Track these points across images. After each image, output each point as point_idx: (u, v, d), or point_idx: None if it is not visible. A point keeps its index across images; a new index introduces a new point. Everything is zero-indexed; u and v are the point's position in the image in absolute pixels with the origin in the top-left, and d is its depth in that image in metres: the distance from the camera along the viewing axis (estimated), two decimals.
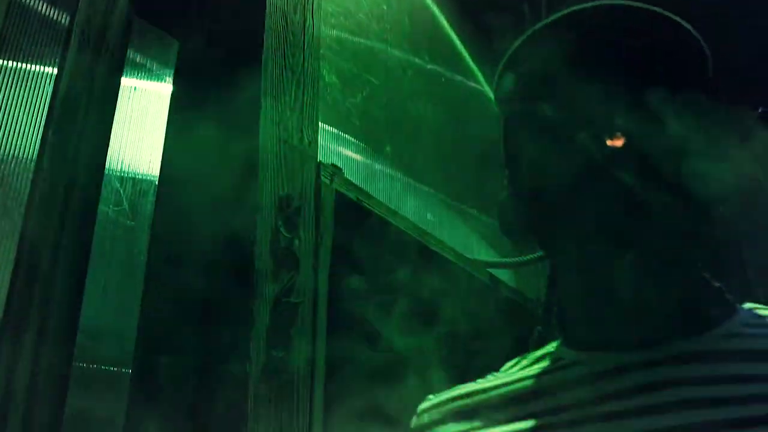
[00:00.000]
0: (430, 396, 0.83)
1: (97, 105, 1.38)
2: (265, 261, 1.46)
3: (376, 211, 1.81)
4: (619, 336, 0.70)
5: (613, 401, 0.67)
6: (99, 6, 1.44)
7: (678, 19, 0.73)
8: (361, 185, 1.99)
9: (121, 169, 1.48)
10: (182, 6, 1.67)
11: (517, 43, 0.78)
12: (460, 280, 2.01)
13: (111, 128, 1.43)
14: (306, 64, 1.73)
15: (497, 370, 0.83)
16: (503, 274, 2.35)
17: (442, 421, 0.78)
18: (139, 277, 1.43)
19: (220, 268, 1.47)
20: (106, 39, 1.44)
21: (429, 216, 2.35)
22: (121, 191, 1.45)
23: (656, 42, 0.70)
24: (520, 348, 0.86)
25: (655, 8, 0.73)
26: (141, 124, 1.55)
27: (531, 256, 2.23)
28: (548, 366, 0.75)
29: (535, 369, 0.76)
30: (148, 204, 1.50)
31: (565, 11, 0.74)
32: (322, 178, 1.66)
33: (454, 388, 0.82)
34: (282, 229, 1.51)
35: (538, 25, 0.76)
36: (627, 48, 0.70)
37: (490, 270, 2.20)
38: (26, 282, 1.19)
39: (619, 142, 0.68)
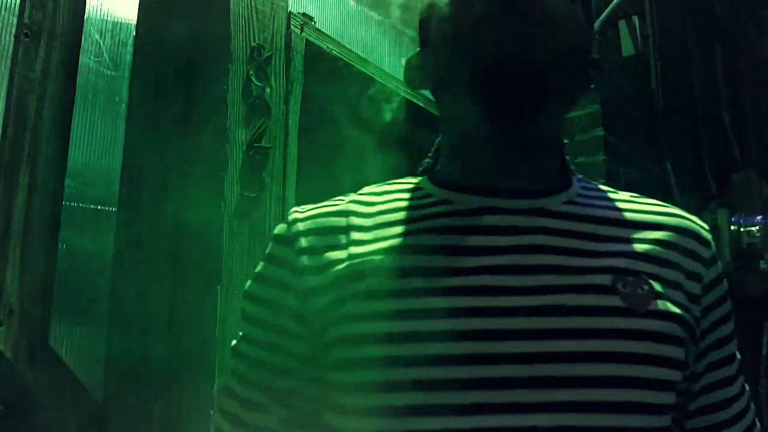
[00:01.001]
0: (298, 208, 0.87)
1: None
2: (238, 108, 1.57)
3: (346, 59, 1.90)
4: (487, 183, 0.82)
5: (472, 236, 0.80)
6: None
7: None
8: (337, 31, 2.07)
9: (100, 20, 1.55)
10: None
11: None
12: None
13: None
14: None
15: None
16: None
17: (314, 232, 0.82)
18: (121, 124, 1.54)
19: (193, 113, 1.58)
20: None
21: (402, 61, 2.43)
22: (101, 42, 1.53)
23: None
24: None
25: None
26: None
27: None
28: (418, 200, 0.84)
29: (406, 201, 0.84)
30: (127, 54, 1.59)
31: None
32: (293, 27, 1.74)
33: (324, 203, 0.86)
34: (253, 78, 1.61)
35: None
36: None
37: None
38: (16, 130, 1.30)
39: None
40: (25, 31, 1.38)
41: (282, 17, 1.72)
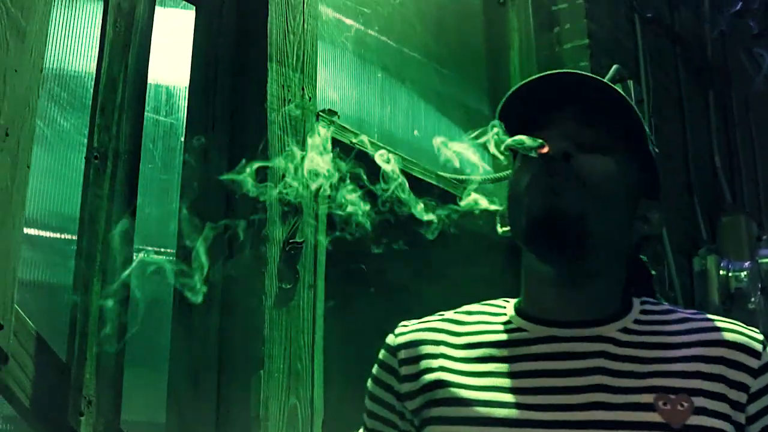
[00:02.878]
0: (405, 322, 1.12)
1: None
2: (275, 208, 1.78)
3: (365, 149, 2.11)
4: (551, 315, 1.03)
5: (539, 361, 1.00)
6: None
7: (617, 89, 1.03)
8: (356, 114, 2.30)
9: (152, 130, 1.77)
10: None
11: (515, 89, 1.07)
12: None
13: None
14: (306, 25, 1.97)
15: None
16: None
17: (413, 345, 1.06)
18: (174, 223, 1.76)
19: (236, 213, 1.79)
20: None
21: (415, 132, 2.65)
22: (153, 150, 1.75)
23: (607, 106, 1.01)
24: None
25: (609, 83, 1.03)
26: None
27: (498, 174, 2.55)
28: (500, 325, 1.06)
29: (490, 324, 1.07)
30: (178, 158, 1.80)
31: (551, 72, 1.05)
32: (321, 128, 1.95)
33: (424, 320, 1.11)
34: (288, 180, 1.82)
35: (531, 79, 1.07)
36: (587, 103, 1.01)
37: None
38: (90, 243, 1.52)
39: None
40: (95, 153, 1.59)
41: (312, 119, 1.94)
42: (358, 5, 2.47)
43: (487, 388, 1.00)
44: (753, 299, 3.45)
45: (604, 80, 1.05)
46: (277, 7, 1.90)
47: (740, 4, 3.93)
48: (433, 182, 2.38)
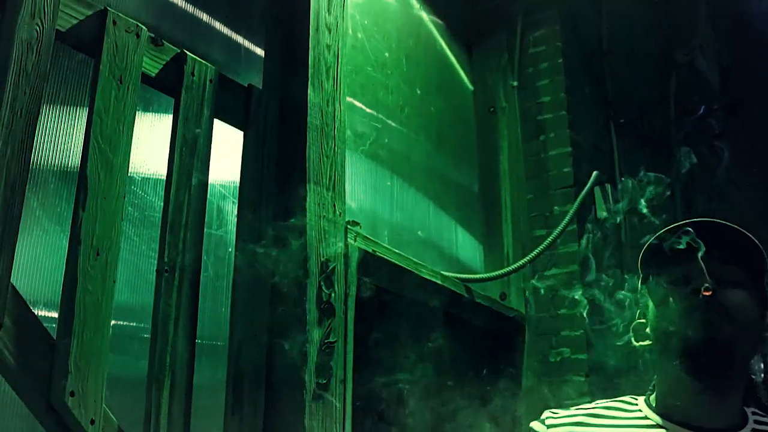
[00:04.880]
0: (551, 411, 1.37)
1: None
2: (313, 313, 2.04)
3: (383, 255, 2.39)
4: (687, 419, 1.28)
5: None
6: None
7: (750, 236, 1.32)
8: (370, 220, 2.58)
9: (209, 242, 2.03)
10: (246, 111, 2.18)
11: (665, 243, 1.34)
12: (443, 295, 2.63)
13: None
14: (336, 148, 2.27)
15: None
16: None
17: None
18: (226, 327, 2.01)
19: (279, 323, 2.05)
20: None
21: (419, 233, 2.94)
22: (208, 262, 2.01)
23: (740, 248, 1.29)
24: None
25: (740, 228, 1.32)
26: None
27: (502, 270, 2.85)
28: (637, 420, 1.32)
29: (627, 419, 1.32)
30: (229, 267, 2.06)
31: (692, 222, 1.32)
32: (348, 239, 2.23)
33: (568, 412, 1.35)
34: (323, 287, 2.09)
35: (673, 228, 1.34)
36: (727, 249, 1.28)
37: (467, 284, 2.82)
38: (161, 351, 1.76)
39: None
40: (165, 268, 1.85)
41: (341, 231, 2.22)
42: (372, 121, 2.78)
43: None
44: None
45: (738, 228, 1.33)
46: (313, 134, 2.19)
47: (703, 108, 4.32)
48: (439, 282, 2.66)
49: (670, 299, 1.30)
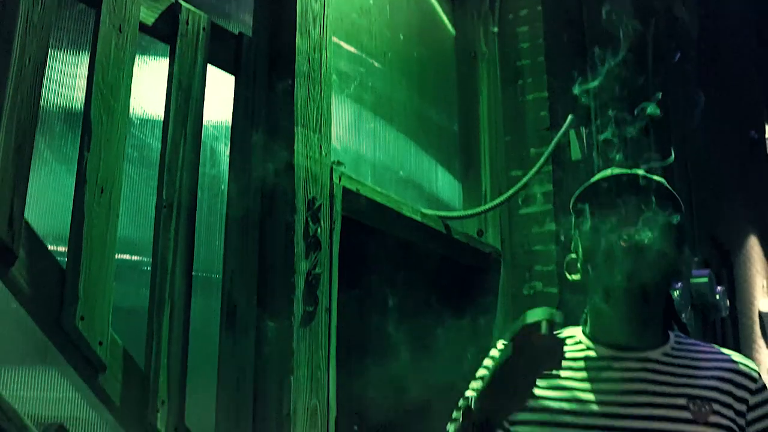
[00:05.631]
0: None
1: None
2: (300, 246, 2.21)
3: (366, 194, 2.55)
4: (615, 341, 1.49)
5: (604, 372, 1.45)
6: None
7: (660, 179, 1.50)
8: (354, 160, 2.73)
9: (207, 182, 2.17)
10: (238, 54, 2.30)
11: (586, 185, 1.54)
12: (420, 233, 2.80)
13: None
14: (323, 93, 2.40)
15: None
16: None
17: None
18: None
19: (269, 254, 2.21)
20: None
21: (401, 173, 3.10)
22: (203, 202, 2.16)
23: (660, 196, 1.47)
24: None
25: (661, 180, 1.50)
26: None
27: (479, 208, 3.02)
28: (575, 345, 1.52)
29: (571, 345, 1.51)
30: (222, 204, 2.21)
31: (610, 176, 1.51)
32: (333, 179, 2.39)
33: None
34: (310, 223, 2.25)
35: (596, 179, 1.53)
36: (648, 197, 1.46)
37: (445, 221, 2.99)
38: (161, 278, 1.93)
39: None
40: (164, 205, 2.00)
41: (327, 171, 2.37)
42: (356, 66, 2.91)
43: (570, 389, 1.46)
44: (684, 314, 3.97)
45: (659, 179, 1.52)
46: (300, 79, 2.33)
47: (678, 54, 4.45)
48: (419, 219, 2.83)
49: (597, 240, 1.48)
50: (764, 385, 1.48)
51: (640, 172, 1.52)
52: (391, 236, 2.77)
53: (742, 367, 1.49)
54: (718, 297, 4.69)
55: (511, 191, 3.12)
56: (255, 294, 2.18)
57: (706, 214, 5.54)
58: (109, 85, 1.90)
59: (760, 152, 8.71)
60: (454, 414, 1.53)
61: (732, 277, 6.85)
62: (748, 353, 7.08)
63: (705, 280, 4.49)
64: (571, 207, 1.58)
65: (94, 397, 1.79)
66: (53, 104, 1.88)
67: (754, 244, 7.89)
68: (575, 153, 3.50)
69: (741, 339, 6.82)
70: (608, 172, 1.54)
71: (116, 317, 1.83)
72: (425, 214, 2.87)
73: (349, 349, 2.46)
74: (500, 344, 1.54)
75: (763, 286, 8.05)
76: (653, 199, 1.46)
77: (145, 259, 2.00)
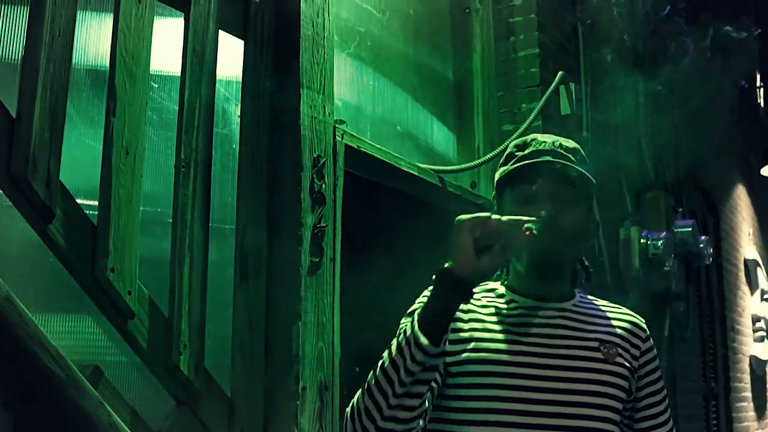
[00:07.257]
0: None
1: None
2: (306, 201, 2.38)
3: (367, 150, 2.72)
4: (535, 293, 1.71)
5: (525, 318, 1.67)
6: None
7: (583, 170, 1.66)
8: (354, 117, 2.89)
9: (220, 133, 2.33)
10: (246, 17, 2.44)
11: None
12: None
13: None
14: (326, 56, 2.55)
15: None
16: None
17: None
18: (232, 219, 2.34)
19: (277, 207, 2.38)
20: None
21: (398, 128, 3.26)
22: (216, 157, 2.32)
23: (574, 179, 1.64)
24: None
25: (575, 166, 1.65)
26: None
27: (472, 163, 3.19)
28: (497, 297, 1.73)
29: (492, 298, 1.74)
30: (234, 160, 2.37)
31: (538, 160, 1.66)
32: (336, 137, 2.55)
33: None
34: (315, 179, 2.42)
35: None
36: (562, 180, 1.63)
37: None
38: (181, 233, 2.10)
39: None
40: (182, 164, 2.16)
41: (330, 130, 2.53)
42: (356, 25, 3.04)
43: (493, 339, 1.66)
44: (667, 264, 4.17)
45: (574, 165, 1.66)
46: (305, 43, 2.47)
47: (668, 7, 4.57)
48: (415, 173, 3.00)
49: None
50: (650, 336, 1.76)
51: (558, 142, 1.69)
52: (390, 189, 2.94)
53: (635, 320, 1.77)
54: (701, 246, 4.90)
55: (503, 146, 3.28)
56: (266, 246, 2.36)
57: (694, 163, 5.73)
58: (131, 53, 2.04)
59: (750, 101, 8.85)
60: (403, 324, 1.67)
61: (718, 225, 7.06)
62: (732, 299, 7.33)
63: (689, 229, 4.69)
64: (494, 185, 1.79)
65: (123, 341, 1.98)
66: (80, 71, 2.03)
67: (741, 193, 8.08)
68: (564, 108, 3.65)
69: (725, 285, 7.05)
70: (529, 143, 1.72)
71: (141, 268, 2.01)
72: (422, 168, 3.04)
73: (353, 297, 2.65)
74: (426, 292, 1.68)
75: (749, 234, 8.28)
76: (566, 181, 1.64)
77: (166, 212, 2.17)
